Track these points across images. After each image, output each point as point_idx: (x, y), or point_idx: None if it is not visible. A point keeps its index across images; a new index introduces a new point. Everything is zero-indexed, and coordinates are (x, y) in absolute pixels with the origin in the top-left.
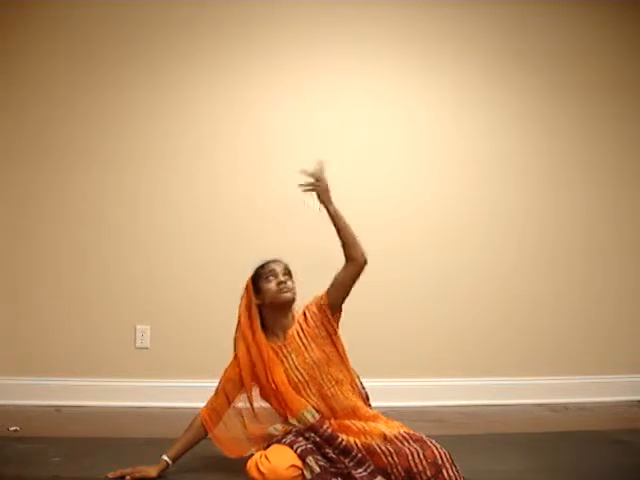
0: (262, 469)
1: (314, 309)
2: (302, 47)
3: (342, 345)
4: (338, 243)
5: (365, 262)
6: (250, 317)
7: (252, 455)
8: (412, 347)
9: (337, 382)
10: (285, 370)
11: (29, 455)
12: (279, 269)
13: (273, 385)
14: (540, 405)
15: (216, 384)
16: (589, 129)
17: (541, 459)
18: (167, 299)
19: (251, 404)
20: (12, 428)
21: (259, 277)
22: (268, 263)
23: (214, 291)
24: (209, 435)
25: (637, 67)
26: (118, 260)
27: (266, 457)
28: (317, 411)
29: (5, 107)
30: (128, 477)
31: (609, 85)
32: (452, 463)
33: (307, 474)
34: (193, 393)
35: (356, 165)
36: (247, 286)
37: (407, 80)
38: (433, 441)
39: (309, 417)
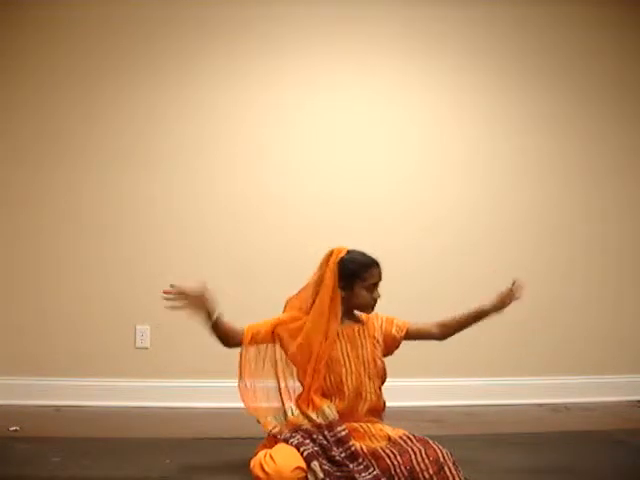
0: (267, 469)
1: (386, 327)
2: (302, 47)
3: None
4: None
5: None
6: (332, 299)
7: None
8: (412, 347)
9: (375, 391)
10: (336, 352)
11: (29, 455)
12: (379, 281)
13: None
14: (540, 405)
15: (214, 384)
16: (589, 129)
17: (541, 459)
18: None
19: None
20: (12, 428)
21: (356, 276)
22: (373, 268)
23: (214, 291)
24: (242, 346)
25: (638, 67)
26: (118, 260)
27: (271, 457)
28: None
29: (5, 107)
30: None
31: (610, 85)
32: (454, 463)
33: (311, 479)
34: (193, 393)
35: (355, 165)
36: (334, 267)
37: (407, 80)
38: (436, 442)
39: (327, 411)
